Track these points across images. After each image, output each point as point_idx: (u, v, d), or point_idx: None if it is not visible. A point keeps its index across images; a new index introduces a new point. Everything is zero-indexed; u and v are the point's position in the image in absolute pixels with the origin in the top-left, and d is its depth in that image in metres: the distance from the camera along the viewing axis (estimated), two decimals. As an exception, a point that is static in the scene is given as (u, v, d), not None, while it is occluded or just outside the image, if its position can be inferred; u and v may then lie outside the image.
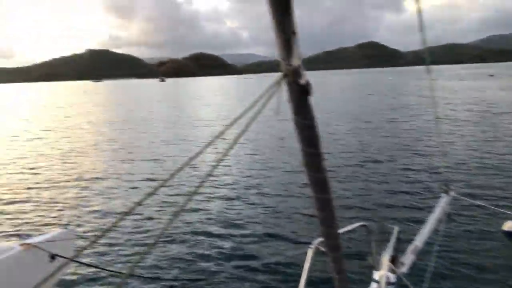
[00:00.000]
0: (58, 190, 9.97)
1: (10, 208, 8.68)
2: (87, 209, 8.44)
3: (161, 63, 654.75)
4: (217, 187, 9.34)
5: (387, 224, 5.82)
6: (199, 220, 7.32)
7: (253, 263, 5.67)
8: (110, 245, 6.36)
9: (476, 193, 7.93)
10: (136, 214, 7.48)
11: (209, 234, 6.73)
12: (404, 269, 2.28)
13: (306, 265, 2.20)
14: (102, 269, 5.40)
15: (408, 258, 2.36)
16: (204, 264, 5.73)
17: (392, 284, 2.16)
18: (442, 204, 2.90)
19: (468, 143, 13.09)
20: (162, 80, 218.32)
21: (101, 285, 5.28)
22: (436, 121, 14.07)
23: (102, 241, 6.48)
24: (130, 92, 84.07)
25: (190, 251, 6.12)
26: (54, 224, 7.70)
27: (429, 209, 2.99)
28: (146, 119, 26.03)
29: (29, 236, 6.64)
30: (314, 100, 0.98)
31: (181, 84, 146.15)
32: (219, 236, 6.65)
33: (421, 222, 2.90)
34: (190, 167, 10.36)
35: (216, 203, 8.22)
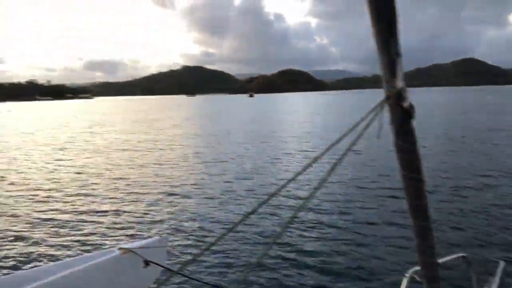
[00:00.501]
0: (152, 199, 10.54)
1: (110, 214, 9.35)
2: (183, 219, 8.82)
3: (251, 79, 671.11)
4: (310, 211, 9.20)
5: (491, 257, 5.36)
6: (292, 242, 7.28)
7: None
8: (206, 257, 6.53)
9: None
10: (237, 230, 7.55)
11: (304, 255, 6.68)
12: None
13: None
14: (196, 280, 5.54)
15: None
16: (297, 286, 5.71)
17: None
18: None
19: None
20: (251, 96, 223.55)
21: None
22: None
23: (195, 251, 6.74)
24: (220, 106, 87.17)
25: (284, 274, 6.09)
26: (149, 231, 8.13)
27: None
28: (235, 133, 26.73)
29: (127, 241, 7.11)
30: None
31: (269, 99, 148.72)
32: (312, 258, 6.58)
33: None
34: (291, 186, 10.39)
35: (310, 227, 8.10)
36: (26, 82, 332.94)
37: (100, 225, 8.53)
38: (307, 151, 17.64)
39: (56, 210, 9.79)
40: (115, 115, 59.06)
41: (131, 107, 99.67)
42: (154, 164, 15.69)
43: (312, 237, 7.47)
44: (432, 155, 15.17)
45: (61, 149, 21.24)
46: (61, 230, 8.31)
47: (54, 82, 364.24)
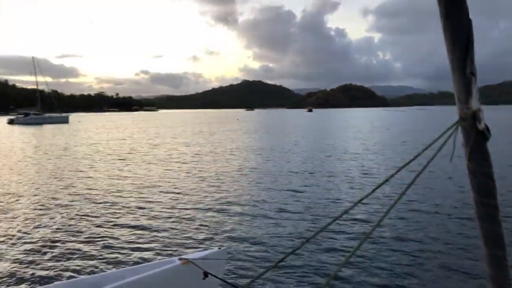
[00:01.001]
0: (210, 211, 10.64)
1: (169, 224, 9.52)
2: (242, 232, 8.80)
3: (310, 94, 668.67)
4: (384, 230, 8.86)
5: None
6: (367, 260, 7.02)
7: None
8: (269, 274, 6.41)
9: None
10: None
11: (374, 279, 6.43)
12: None
13: None
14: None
15: None
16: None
17: None
18: None
19: None
20: (310, 110, 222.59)
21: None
22: None
23: (255, 266, 6.63)
24: (278, 120, 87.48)
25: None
26: (208, 243, 8.15)
27: None
28: (293, 148, 26.54)
29: (186, 252, 7.16)
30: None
31: (328, 114, 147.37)
32: (382, 279, 6.33)
33: None
34: (363, 203, 10.17)
35: (376, 252, 7.76)
36: (95, 94, 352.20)
37: (160, 234, 8.70)
38: (367, 169, 17.11)
39: (117, 218, 10.13)
40: (176, 128, 60.84)
41: (192, 120, 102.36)
42: (212, 176, 15.86)
43: (381, 263, 7.14)
44: (503, 178, 14.15)
45: (123, 159, 22.05)
46: (122, 238, 8.58)
47: (121, 95, 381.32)
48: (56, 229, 9.25)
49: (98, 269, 6.82)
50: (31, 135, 48.08)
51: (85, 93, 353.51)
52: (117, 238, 8.48)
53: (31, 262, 7.22)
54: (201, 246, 7.91)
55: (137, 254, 7.52)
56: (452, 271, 6.55)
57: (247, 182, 14.46)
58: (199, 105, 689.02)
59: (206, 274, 4.28)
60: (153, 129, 56.72)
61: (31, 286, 6.28)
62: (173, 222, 9.59)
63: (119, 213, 10.55)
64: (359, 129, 49.66)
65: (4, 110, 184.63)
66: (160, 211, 10.60)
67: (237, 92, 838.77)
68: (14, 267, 7.03)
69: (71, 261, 7.26)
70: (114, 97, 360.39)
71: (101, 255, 7.53)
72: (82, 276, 5.93)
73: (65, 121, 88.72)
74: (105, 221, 9.77)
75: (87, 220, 9.88)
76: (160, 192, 13.08)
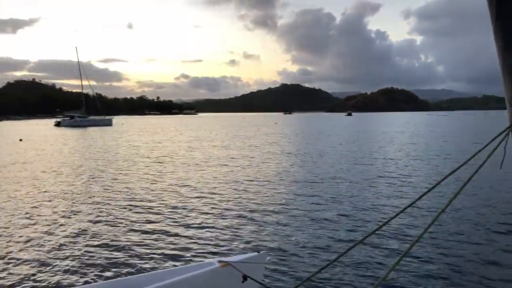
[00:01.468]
0: (249, 215, 10.61)
1: (207, 227, 9.56)
2: (281, 236, 8.72)
3: (349, 98, 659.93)
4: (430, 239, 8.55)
5: None
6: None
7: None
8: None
9: None
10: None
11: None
12: None
13: None
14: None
15: None
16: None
17: None
18: None
19: None
20: (350, 114, 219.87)
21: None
22: None
23: (296, 271, 6.51)
24: (317, 124, 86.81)
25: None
26: (246, 246, 8.11)
27: None
28: (331, 152, 26.21)
29: (225, 255, 7.14)
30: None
31: (368, 118, 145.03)
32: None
33: None
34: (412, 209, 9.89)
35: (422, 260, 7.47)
36: (137, 97, 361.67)
37: (197, 237, 8.74)
38: (409, 177, 16.60)
39: (155, 220, 10.28)
40: (215, 131, 61.48)
41: (230, 123, 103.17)
42: (249, 180, 15.84)
43: (420, 278, 6.86)
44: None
45: (161, 162, 22.40)
46: (161, 239, 8.68)
47: (162, 98, 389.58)
48: (94, 230, 9.45)
49: (136, 271, 6.89)
50: (76, 137, 49.81)
51: (128, 97, 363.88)
52: (155, 240, 8.57)
53: (66, 262, 7.38)
54: (239, 249, 7.87)
55: (175, 256, 7.58)
56: (502, 282, 6.23)
57: (284, 187, 14.33)
58: (237, 108, 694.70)
59: (245, 278, 4.25)
60: (192, 132, 57.54)
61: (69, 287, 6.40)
62: (210, 225, 9.62)
63: (157, 215, 10.68)
64: (399, 133, 48.46)
65: (51, 112, 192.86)
66: (197, 214, 10.66)
67: (275, 95, 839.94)
68: (50, 267, 7.20)
69: (108, 262, 7.37)
70: (155, 100, 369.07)
71: (139, 256, 7.63)
72: (120, 278, 6.00)
73: (109, 123, 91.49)
74: (143, 223, 9.91)
75: (125, 222, 10.06)
76: (197, 195, 13.17)
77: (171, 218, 10.37)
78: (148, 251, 7.94)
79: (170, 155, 25.95)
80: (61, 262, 7.42)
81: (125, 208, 11.51)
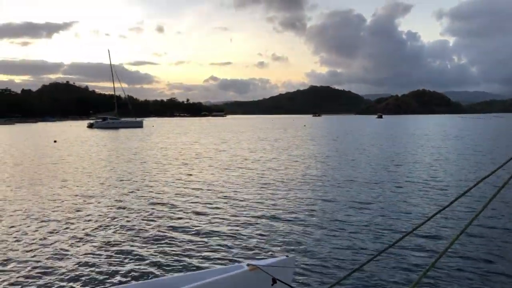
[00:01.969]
0: (276, 218, 10.58)
1: (235, 230, 9.59)
2: (311, 240, 8.67)
3: (380, 100, 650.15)
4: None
5: None
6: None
7: None
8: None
9: None
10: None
11: None
12: None
13: None
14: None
15: None
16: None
17: None
18: None
19: None
20: (380, 117, 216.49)
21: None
22: None
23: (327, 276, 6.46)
24: (346, 127, 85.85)
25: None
26: (275, 250, 8.10)
27: None
28: (361, 155, 25.87)
29: (253, 258, 7.15)
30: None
31: (399, 120, 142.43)
32: None
33: None
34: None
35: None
36: (167, 100, 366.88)
37: (226, 240, 8.78)
38: (440, 181, 16.20)
39: (183, 222, 10.40)
40: (243, 133, 61.67)
41: (259, 125, 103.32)
42: (276, 184, 15.82)
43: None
44: None
45: (189, 164, 22.64)
46: (190, 242, 8.77)
47: (192, 100, 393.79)
48: (120, 231, 9.62)
49: (165, 273, 6.96)
50: (108, 138, 50.93)
51: (158, 99, 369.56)
52: (183, 243, 8.65)
53: (93, 264, 7.53)
54: (268, 253, 7.87)
55: (203, 259, 7.63)
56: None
57: (312, 191, 14.22)
58: (266, 110, 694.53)
59: (274, 281, 4.27)
60: (220, 134, 57.90)
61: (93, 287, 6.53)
62: (237, 228, 9.65)
63: (186, 218, 10.78)
64: (431, 136, 47.41)
65: (85, 114, 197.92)
66: (225, 217, 10.71)
67: (304, 97, 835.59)
68: (78, 268, 7.36)
69: (137, 264, 7.48)
70: (185, 102, 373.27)
71: (167, 258, 7.72)
72: (150, 279, 6.08)
73: (140, 125, 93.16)
74: (171, 226, 10.02)
75: (153, 224, 10.18)
76: (224, 198, 13.22)
77: (199, 220, 10.44)
78: (177, 253, 8.03)
79: (198, 157, 26.19)
80: (79, 264, 7.58)
81: (153, 211, 11.67)
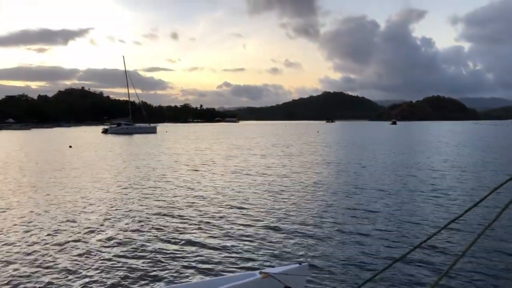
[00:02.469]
0: (289, 225, 10.53)
1: (247, 238, 9.56)
2: (325, 248, 8.61)
3: (394, 106, 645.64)
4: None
5: None
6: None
7: None
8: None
9: None
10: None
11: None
12: None
13: None
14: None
15: None
16: None
17: None
18: None
19: None
20: (394, 123, 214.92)
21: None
22: None
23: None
24: (360, 133, 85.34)
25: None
26: (290, 257, 8.06)
27: None
28: (373, 163, 25.65)
29: (266, 266, 7.12)
30: None
31: (413, 127, 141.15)
32: None
33: None
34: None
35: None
36: (181, 106, 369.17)
37: (238, 247, 8.76)
38: (453, 189, 15.98)
39: (196, 230, 10.38)
40: (255, 139, 61.68)
41: (272, 131, 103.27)
42: (288, 191, 15.76)
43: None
44: None
45: (200, 170, 22.68)
46: (201, 249, 8.76)
47: (205, 106, 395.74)
48: (130, 238, 9.64)
49: (176, 280, 6.96)
50: (122, 144, 51.37)
51: (172, 105, 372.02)
52: (194, 249, 8.66)
53: (98, 268, 7.55)
54: (280, 261, 7.81)
55: (215, 267, 7.62)
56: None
57: (324, 198, 14.13)
58: (279, 116, 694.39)
59: None
60: (232, 140, 57.98)
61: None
62: (249, 236, 9.62)
63: (197, 224, 10.79)
64: (445, 143, 46.86)
65: (99, 120, 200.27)
66: (236, 224, 10.69)
67: (317, 103, 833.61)
68: (88, 272, 7.39)
69: (147, 272, 7.49)
70: (198, 108, 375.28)
71: (178, 266, 7.72)
72: (162, 287, 6.08)
73: (153, 131, 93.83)
74: (182, 233, 10.04)
75: (164, 231, 10.22)
76: (236, 204, 13.20)
77: (210, 227, 10.44)
78: (188, 260, 8.03)
79: (210, 163, 26.24)
80: (90, 270, 7.63)
81: (164, 217, 11.70)
